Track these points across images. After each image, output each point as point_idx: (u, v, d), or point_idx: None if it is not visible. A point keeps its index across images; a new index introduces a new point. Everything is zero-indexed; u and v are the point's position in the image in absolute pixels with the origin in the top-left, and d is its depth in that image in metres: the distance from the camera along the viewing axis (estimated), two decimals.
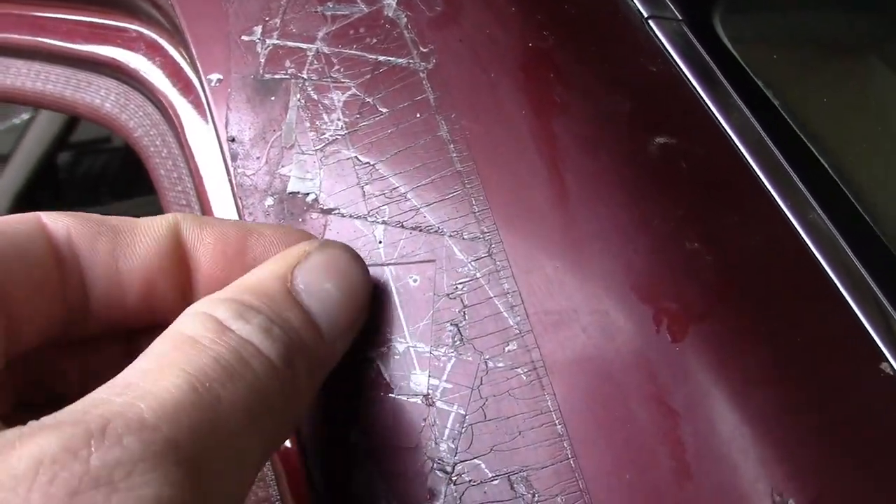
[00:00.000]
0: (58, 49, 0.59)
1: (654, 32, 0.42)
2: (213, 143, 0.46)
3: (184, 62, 0.52)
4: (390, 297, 0.36)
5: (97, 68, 0.58)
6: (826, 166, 0.41)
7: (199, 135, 0.50)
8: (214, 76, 0.43)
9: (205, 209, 0.48)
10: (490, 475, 0.32)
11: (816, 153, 0.42)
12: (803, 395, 0.32)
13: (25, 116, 2.58)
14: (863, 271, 0.35)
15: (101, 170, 3.62)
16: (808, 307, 0.34)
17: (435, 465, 0.33)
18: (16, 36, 0.60)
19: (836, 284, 0.35)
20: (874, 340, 0.34)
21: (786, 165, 0.38)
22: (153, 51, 0.55)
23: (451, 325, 0.35)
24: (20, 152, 2.54)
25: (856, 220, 0.39)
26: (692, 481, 0.30)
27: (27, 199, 2.64)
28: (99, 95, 0.58)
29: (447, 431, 0.33)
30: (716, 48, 0.44)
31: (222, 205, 0.46)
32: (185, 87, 0.52)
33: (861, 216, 0.39)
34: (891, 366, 0.33)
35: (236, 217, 0.41)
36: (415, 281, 0.36)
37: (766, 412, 0.32)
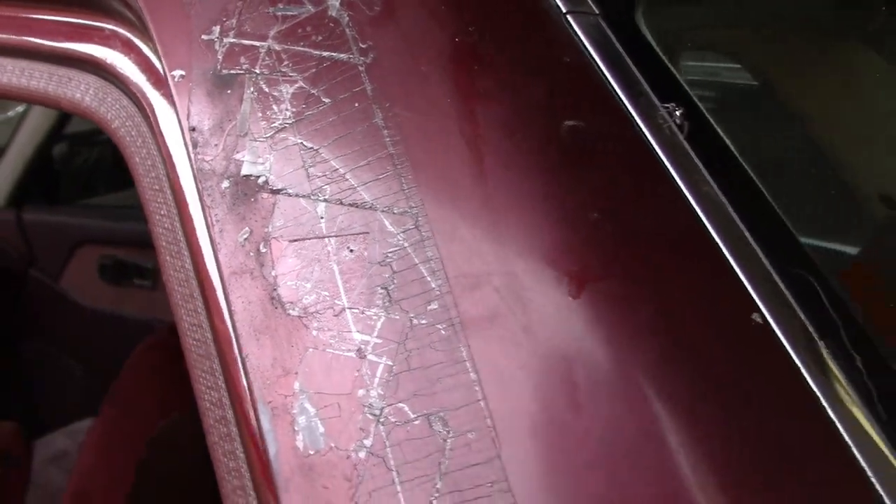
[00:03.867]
0: (41, 47, 0.63)
1: (571, 26, 0.47)
2: (181, 132, 0.51)
3: (156, 58, 0.57)
4: (332, 271, 0.41)
5: (78, 64, 0.62)
6: (728, 142, 0.46)
7: (170, 125, 0.54)
8: (178, 72, 0.48)
9: (176, 193, 0.52)
10: (412, 416, 0.37)
11: (721, 133, 0.47)
12: (683, 343, 0.37)
13: (20, 109, 2.63)
14: (745, 232, 0.40)
15: (97, 161, 3.67)
16: (692, 267, 0.39)
17: (366, 409, 0.38)
18: (3, 36, 0.65)
19: (719, 246, 0.40)
20: (749, 293, 0.38)
21: (685, 144, 0.43)
22: (128, 48, 0.59)
23: (382, 288, 0.40)
24: (15, 144, 2.58)
25: (747, 189, 0.44)
26: (584, 416, 0.35)
27: (23, 191, 2.69)
28: (80, 90, 0.62)
29: (376, 380, 0.38)
30: (632, 39, 0.49)
31: (191, 188, 0.51)
32: (158, 82, 0.57)
33: (755, 184, 0.44)
34: (762, 315, 0.38)
35: (198, 198, 0.45)
36: (351, 251, 0.41)
37: (650, 358, 0.37)
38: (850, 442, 0.36)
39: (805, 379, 0.38)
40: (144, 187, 0.58)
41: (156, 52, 0.55)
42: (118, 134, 0.60)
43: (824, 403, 0.37)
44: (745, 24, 0.82)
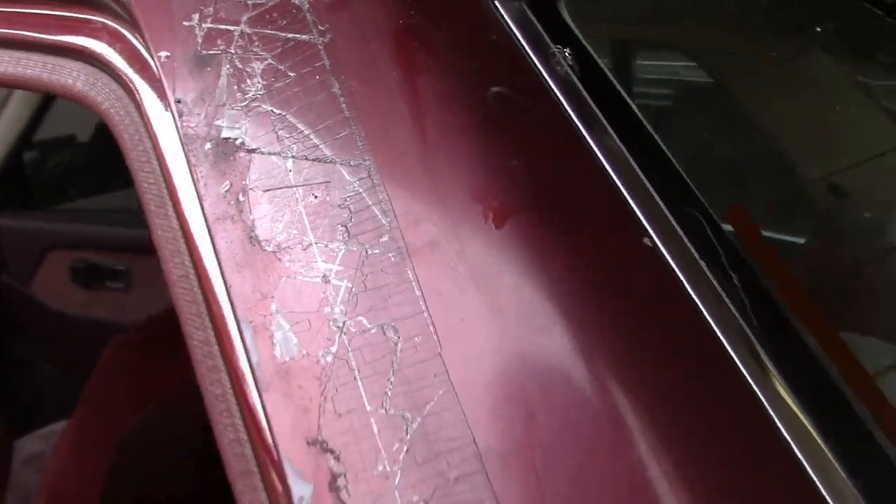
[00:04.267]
0: (35, 40, 0.71)
1: (499, 11, 0.55)
2: (164, 109, 0.59)
3: (141, 47, 0.64)
4: (300, 213, 0.49)
5: (69, 54, 0.70)
6: (629, 103, 0.55)
7: (154, 104, 0.62)
8: (163, 53, 0.55)
9: (161, 162, 0.60)
10: (369, 326, 0.46)
11: (624, 94, 0.55)
12: (585, 260, 0.46)
13: None
14: (639, 172, 0.49)
15: (68, 167, 3.69)
16: (593, 201, 0.48)
17: (331, 322, 0.46)
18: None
19: (618, 185, 0.49)
20: (640, 221, 0.47)
21: (591, 104, 0.52)
22: (115, 38, 0.67)
23: (342, 226, 0.48)
24: None
25: (644, 142, 0.52)
26: (504, 318, 0.44)
27: None
28: (71, 77, 0.70)
29: (339, 299, 0.46)
30: (551, 22, 0.57)
31: (174, 156, 0.58)
32: (142, 68, 0.64)
33: (652, 137, 0.53)
34: (651, 239, 0.47)
35: (184, 158, 0.53)
36: (315, 197, 0.49)
37: (558, 270, 0.45)
38: (722, 338, 0.45)
39: (687, 290, 0.46)
40: (133, 159, 0.65)
41: (141, 40, 0.62)
42: (108, 114, 0.67)
43: (702, 309, 0.46)
44: (680, 19, 0.91)
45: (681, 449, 0.41)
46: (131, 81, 0.65)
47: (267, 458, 0.48)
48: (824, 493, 0.42)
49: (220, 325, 0.52)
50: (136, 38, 0.65)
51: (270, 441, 0.47)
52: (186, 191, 0.55)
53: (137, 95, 0.64)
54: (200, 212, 0.53)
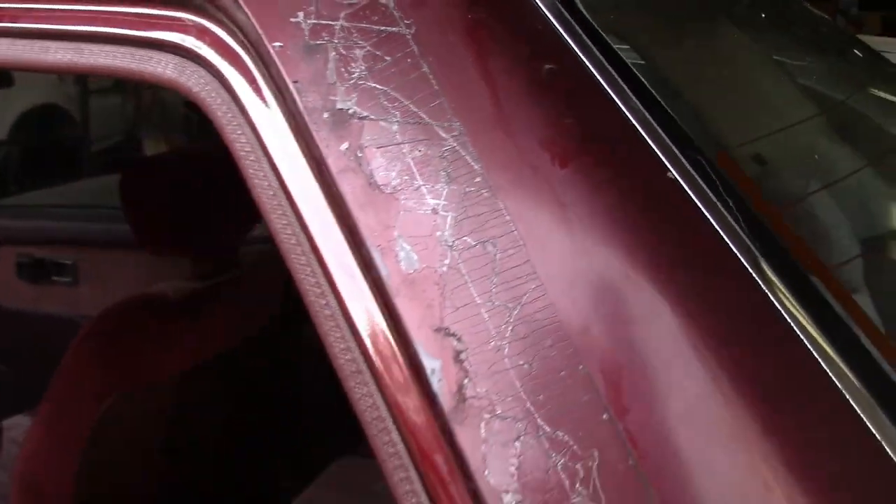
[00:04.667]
0: (125, 36, 0.83)
1: (539, 6, 0.72)
2: (251, 91, 0.73)
3: (231, 41, 0.78)
4: (409, 164, 0.64)
5: (157, 47, 0.82)
6: (640, 75, 0.72)
7: (245, 87, 0.76)
8: (276, 44, 0.70)
9: (256, 135, 0.73)
10: (473, 244, 0.61)
11: (636, 70, 0.72)
12: (626, 189, 0.63)
13: None
14: (657, 127, 0.66)
15: (2, 162, 3.67)
16: (626, 143, 0.65)
17: (443, 241, 0.62)
18: (90, 28, 0.84)
19: (643, 135, 0.66)
20: (663, 160, 0.64)
21: (616, 76, 0.69)
22: (202, 34, 0.80)
23: (443, 171, 0.63)
24: None
25: (657, 104, 0.70)
26: (574, 229, 0.61)
27: None
28: (160, 65, 0.82)
29: (447, 225, 0.62)
30: (574, 13, 0.74)
31: (272, 128, 0.72)
32: (233, 59, 0.77)
33: (658, 101, 0.70)
34: (672, 174, 0.64)
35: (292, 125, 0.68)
36: (419, 151, 0.64)
37: (611, 199, 0.62)
38: (725, 237, 0.63)
39: (700, 208, 0.64)
40: (228, 132, 0.78)
41: (237, 36, 0.76)
42: (199, 96, 0.80)
43: (710, 218, 0.64)
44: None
45: (710, 319, 0.59)
46: (221, 70, 0.78)
47: (369, 361, 0.63)
48: (808, 345, 0.60)
49: (321, 260, 0.67)
50: (226, 33, 0.78)
51: (373, 347, 0.63)
52: (282, 153, 0.70)
53: (227, 81, 0.77)
54: (308, 168, 0.67)
